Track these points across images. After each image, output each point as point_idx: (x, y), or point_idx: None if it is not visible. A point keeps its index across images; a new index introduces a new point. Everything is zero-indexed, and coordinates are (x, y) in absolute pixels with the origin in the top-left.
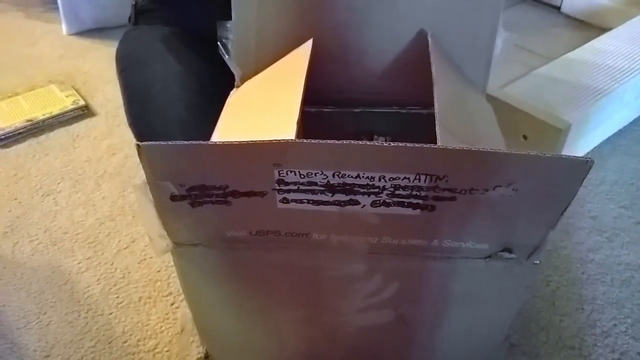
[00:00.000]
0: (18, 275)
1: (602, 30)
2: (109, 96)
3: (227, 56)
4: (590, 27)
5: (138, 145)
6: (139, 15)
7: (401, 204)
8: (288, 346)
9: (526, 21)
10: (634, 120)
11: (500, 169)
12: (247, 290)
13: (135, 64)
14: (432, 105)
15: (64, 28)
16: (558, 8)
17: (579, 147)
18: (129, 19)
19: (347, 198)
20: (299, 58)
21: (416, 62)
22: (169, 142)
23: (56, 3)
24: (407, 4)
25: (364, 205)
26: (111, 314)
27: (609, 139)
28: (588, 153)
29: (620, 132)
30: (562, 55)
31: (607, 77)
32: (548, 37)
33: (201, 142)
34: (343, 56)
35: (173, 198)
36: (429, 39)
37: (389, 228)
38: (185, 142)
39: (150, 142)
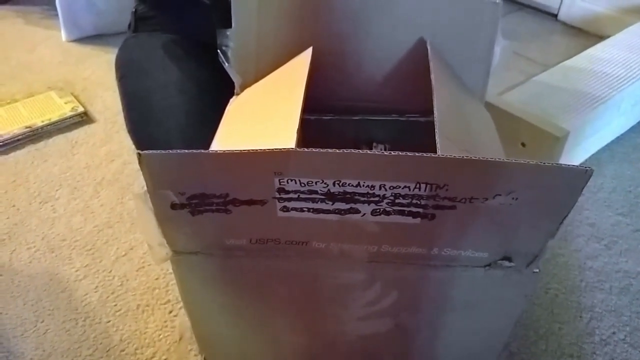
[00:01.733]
0: (15, 282)
1: (599, 38)
2: (108, 103)
3: (227, 64)
4: (587, 34)
5: (139, 154)
6: (139, 22)
7: (401, 213)
8: (286, 354)
9: (524, 29)
10: (631, 128)
11: (500, 178)
12: (246, 298)
13: (134, 71)
14: (431, 113)
15: (63, 35)
16: (555, 16)
17: (576, 154)
18: (129, 25)
19: (347, 206)
20: (299, 66)
21: (415, 70)
22: (170, 151)
23: (56, 9)
24: (406, 13)
25: (364, 214)
26: (109, 322)
27: (607, 146)
28: (586, 160)
29: (618, 140)
30: (559, 63)
31: (604, 84)
32: (546, 44)
33: (201, 150)
34: (343, 64)
35: (173, 206)
36: (428, 47)
37: (388, 236)
38: (186, 151)
39: (151, 151)
